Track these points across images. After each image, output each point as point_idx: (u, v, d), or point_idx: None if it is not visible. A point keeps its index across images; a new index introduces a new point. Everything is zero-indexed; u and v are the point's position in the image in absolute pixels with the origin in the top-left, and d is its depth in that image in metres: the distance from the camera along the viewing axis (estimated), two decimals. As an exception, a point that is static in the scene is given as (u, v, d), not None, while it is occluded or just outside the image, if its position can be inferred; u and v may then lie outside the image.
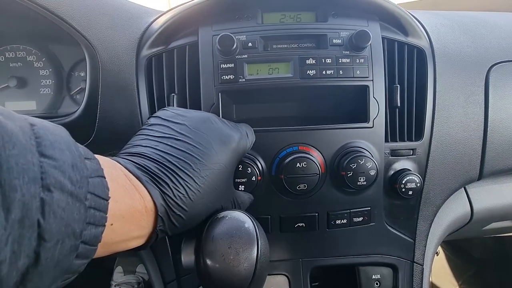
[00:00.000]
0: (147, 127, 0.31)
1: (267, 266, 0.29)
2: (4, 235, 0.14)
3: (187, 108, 0.42)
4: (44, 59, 0.54)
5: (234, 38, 0.38)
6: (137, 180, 0.24)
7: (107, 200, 0.20)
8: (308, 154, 0.40)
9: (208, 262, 0.26)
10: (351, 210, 0.43)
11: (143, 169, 0.26)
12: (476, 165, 0.49)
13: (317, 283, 0.50)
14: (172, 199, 0.25)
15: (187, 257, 0.28)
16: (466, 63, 0.48)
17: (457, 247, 1.08)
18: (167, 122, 0.30)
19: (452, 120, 0.47)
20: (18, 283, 0.15)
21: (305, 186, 0.39)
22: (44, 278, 0.16)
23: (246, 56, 0.40)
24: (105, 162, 0.23)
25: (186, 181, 0.26)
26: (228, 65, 0.40)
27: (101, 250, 0.21)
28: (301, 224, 0.42)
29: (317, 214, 0.43)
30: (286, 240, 0.44)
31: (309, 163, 0.39)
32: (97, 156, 0.22)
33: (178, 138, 0.28)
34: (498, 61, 0.50)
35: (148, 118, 0.33)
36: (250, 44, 0.40)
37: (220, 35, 0.38)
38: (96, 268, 0.99)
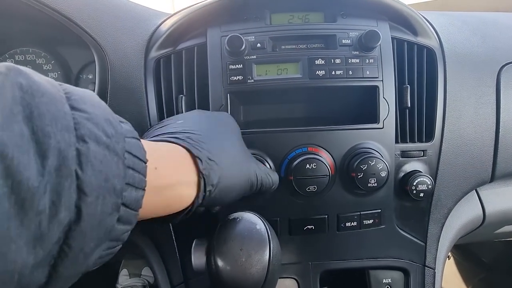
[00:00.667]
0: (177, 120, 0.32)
1: (279, 269, 0.28)
2: (42, 182, 0.13)
3: (195, 108, 0.42)
4: (53, 62, 0.55)
5: (243, 39, 0.38)
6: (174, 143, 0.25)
7: (145, 163, 0.19)
8: (318, 155, 0.39)
9: (220, 264, 0.25)
10: (361, 213, 0.42)
11: (178, 138, 0.26)
12: (488, 167, 0.48)
13: (326, 287, 0.49)
14: (207, 156, 0.25)
15: (198, 259, 0.28)
16: (476, 63, 0.48)
17: (467, 251, 1.06)
18: (179, 116, 0.33)
19: (463, 121, 0.46)
20: (62, 241, 0.14)
21: (314, 187, 0.39)
22: (88, 238, 0.15)
23: (254, 56, 0.40)
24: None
25: (215, 142, 0.27)
26: (237, 66, 0.40)
27: (154, 199, 0.20)
28: (311, 226, 0.42)
29: (326, 216, 0.42)
30: (295, 243, 0.43)
31: (318, 165, 0.39)
32: None
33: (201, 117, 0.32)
34: (509, 61, 0.49)
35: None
36: (258, 45, 0.40)
37: (229, 36, 0.38)
38: (102, 271, 0.99)
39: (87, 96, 0.17)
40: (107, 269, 0.95)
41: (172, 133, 0.26)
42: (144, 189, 0.19)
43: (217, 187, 0.25)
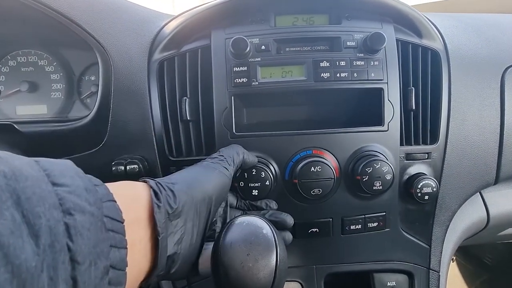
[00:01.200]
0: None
1: (286, 274, 0.28)
2: (38, 261, 0.14)
3: (199, 112, 0.42)
4: (55, 63, 0.54)
5: (248, 41, 0.38)
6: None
7: (122, 223, 0.20)
8: (322, 158, 0.39)
9: (227, 270, 0.25)
10: (365, 216, 0.42)
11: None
12: (492, 169, 0.48)
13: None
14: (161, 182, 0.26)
15: (204, 264, 0.27)
16: (481, 66, 0.48)
17: (469, 252, 1.06)
18: None
19: (467, 123, 0.46)
20: None
21: (319, 190, 0.39)
22: None
23: (259, 59, 0.40)
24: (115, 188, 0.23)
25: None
26: (241, 68, 0.39)
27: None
28: (315, 229, 0.42)
29: (331, 219, 0.42)
30: (299, 246, 0.43)
31: (323, 167, 0.38)
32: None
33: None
34: (513, 63, 0.49)
35: None
36: (263, 47, 0.40)
37: (234, 38, 0.38)
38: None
39: (65, 169, 0.18)
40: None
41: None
42: (125, 248, 0.20)
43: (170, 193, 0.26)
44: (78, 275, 0.16)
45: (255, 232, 0.27)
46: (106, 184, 0.21)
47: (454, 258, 1.09)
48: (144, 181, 0.26)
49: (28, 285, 0.13)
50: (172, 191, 0.26)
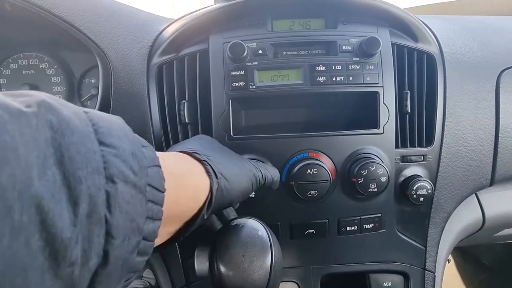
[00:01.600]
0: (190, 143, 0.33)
1: (281, 274, 0.28)
2: (74, 232, 0.13)
3: (197, 115, 0.42)
4: (56, 66, 0.55)
5: (245, 46, 0.39)
6: (192, 158, 0.26)
7: (163, 192, 0.19)
8: (319, 160, 0.40)
9: (223, 270, 0.26)
10: (361, 217, 0.43)
11: (198, 154, 0.27)
12: (487, 171, 0.49)
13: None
14: (221, 178, 0.26)
15: (201, 264, 0.28)
16: (476, 69, 0.48)
17: (467, 253, 1.07)
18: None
19: (462, 125, 0.46)
20: (87, 285, 0.15)
21: (315, 192, 0.39)
22: (113, 279, 0.16)
23: (256, 63, 0.40)
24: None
25: (223, 160, 0.28)
26: (239, 72, 0.40)
27: (175, 192, 0.21)
28: (311, 230, 0.42)
29: (327, 220, 0.42)
30: (296, 247, 0.43)
31: (319, 170, 0.39)
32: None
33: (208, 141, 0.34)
34: (508, 66, 0.49)
35: None
36: (260, 51, 0.40)
37: (231, 42, 0.38)
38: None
39: (114, 126, 0.17)
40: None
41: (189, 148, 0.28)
42: (160, 219, 0.19)
43: (225, 179, 0.26)
44: (110, 249, 0.15)
45: (251, 233, 0.27)
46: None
47: (451, 258, 1.10)
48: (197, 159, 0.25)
49: (61, 257, 0.13)
50: (226, 180, 0.26)
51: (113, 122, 0.17)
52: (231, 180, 0.26)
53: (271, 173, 0.35)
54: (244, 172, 0.29)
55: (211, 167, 0.25)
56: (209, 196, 0.24)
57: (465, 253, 1.07)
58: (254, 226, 0.28)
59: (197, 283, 0.44)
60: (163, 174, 0.19)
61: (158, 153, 0.21)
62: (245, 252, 0.26)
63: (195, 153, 0.26)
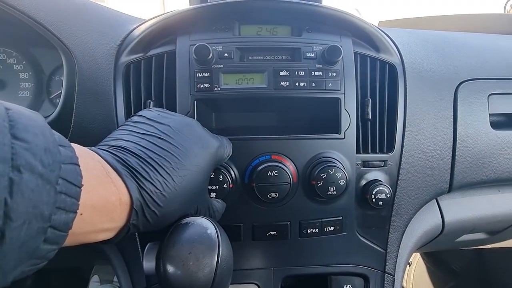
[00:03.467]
0: (131, 124, 0.31)
1: (229, 273, 0.29)
2: None
3: None
4: (24, 62, 0.54)
5: (210, 48, 0.39)
6: (114, 173, 0.25)
7: (79, 187, 0.20)
8: (280, 163, 0.41)
9: (168, 268, 0.26)
10: (322, 220, 0.44)
11: (123, 162, 0.26)
12: (446, 178, 0.51)
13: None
14: (149, 194, 0.26)
15: (149, 262, 0.28)
16: (436, 80, 0.51)
17: (438, 259, 1.10)
18: (151, 121, 0.31)
19: (422, 133, 0.48)
20: None
21: (276, 194, 0.40)
22: (8, 258, 0.16)
23: (222, 66, 0.41)
24: (83, 152, 0.23)
25: (165, 178, 0.27)
26: (204, 74, 0.41)
27: (68, 240, 0.21)
28: (273, 232, 0.43)
29: (289, 222, 0.43)
30: (258, 248, 0.44)
31: (280, 172, 0.40)
32: (75, 145, 0.22)
33: (161, 137, 0.29)
34: (466, 79, 0.52)
35: (131, 116, 0.34)
36: (226, 55, 0.41)
37: (196, 45, 0.39)
38: (72, 277, 0.96)
39: (32, 124, 0.18)
40: (77, 275, 0.92)
41: (121, 149, 0.27)
42: (75, 212, 0.20)
43: (157, 203, 0.26)
44: (6, 230, 0.16)
45: (199, 232, 0.28)
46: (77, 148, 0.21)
47: (422, 263, 1.13)
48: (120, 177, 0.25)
49: None
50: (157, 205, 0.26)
51: (33, 119, 0.19)
52: (163, 212, 0.27)
53: (217, 208, 0.37)
54: (187, 209, 0.30)
55: (138, 190, 0.25)
56: (130, 215, 0.25)
57: (435, 259, 1.10)
58: (204, 225, 0.28)
59: (158, 285, 0.44)
60: (81, 172, 0.20)
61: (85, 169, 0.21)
62: (191, 250, 0.26)
63: (120, 161, 0.26)
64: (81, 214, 0.21)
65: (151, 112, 0.33)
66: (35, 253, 0.18)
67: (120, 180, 0.25)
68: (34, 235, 0.17)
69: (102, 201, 0.23)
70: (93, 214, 0.22)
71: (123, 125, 0.32)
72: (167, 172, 0.27)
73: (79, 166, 0.20)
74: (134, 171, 0.26)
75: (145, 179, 0.26)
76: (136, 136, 0.29)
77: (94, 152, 0.25)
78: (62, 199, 0.18)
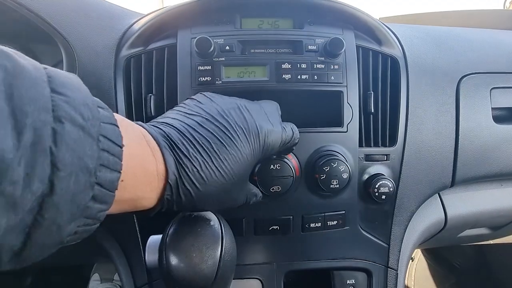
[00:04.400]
0: (182, 105, 0.32)
1: (232, 266, 0.28)
2: (16, 156, 0.14)
3: (164, 109, 0.42)
4: (23, 57, 0.54)
5: (212, 41, 0.39)
6: (154, 143, 0.24)
7: (121, 147, 0.20)
8: (283, 156, 0.40)
9: (170, 259, 0.26)
10: (325, 214, 0.43)
11: (165, 135, 0.26)
12: (448, 172, 0.51)
13: (293, 289, 0.49)
14: (185, 171, 0.25)
15: (151, 255, 0.28)
16: (438, 74, 0.50)
17: (439, 256, 1.10)
18: (200, 103, 0.31)
19: (425, 127, 0.48)
20: (35, 211, 0.16)
21: (278, 188, 0.40)
22: (61, 211, 0.17)
23: (223, 59, 0.41)
24: (124, 121, 0.23)
25: (204, 158, 0.26)
26: (206, 67, 0.40)
27: (112, 208, 0.21)
28: (276, 227, 0.42)
29: (291, 217, 0.43)
30: (260, 243, 0.43)
31: (283, 166, 0.39)
32: (117, 115, 0.22)
33: (207, 118, 0.28)
34: (468, 73, 0.52)
35: (185, 99, 0.33)
36: (227, 48, 0.41)
37: (198, 37, 0.39)
38: (72, 276, 0.96)
39: (69, 80, 0.18)
40: (78, 274, 0.91)
41: (165, 124, 0.27)
42: (119, 172, 0.20)
43: (193, 182, 0.25)
44: (55, 180, 0.16)
45: (202, 224, 0.27)
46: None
47: (423, 260, 1.13)
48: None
49: (2, 174, 0.14)
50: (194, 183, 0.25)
51: (70, 78, 0.19)
52: (199, 194, 0.26)
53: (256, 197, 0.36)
54: (227, 202, 0.29)
55: (175, 164, 0.25)
56: (165, 188, 0.24)
57: (436, 256, 1.10)
58: (207, 217, 0.28)
59: (159, 280, 0.43)
60: (122, 133, 0.20)
61: (128, 138, 0.21)
62: (194, 242, 0.26)
63: (162, 133, 0.25)
64: (122, 181, 0.20)
65: (203, 96, 0.33)
66: (87, 211, 0.18)
67: (159, 151, 0.24)
68: (82, 189, 0.17)
69: (141, 168, 0.22)
70: (134, 181, 0.22)
71: (174, 107, 0.32)
72: (207, 153, 0.26)
73: (118, 127, 0.20)
74: (174, 145, 0.25)
75: (184, 155, 0.25)
76: (182, 115, 0.29)
77: (136, 123, 0.26)
78: (105, 156, 0.19)
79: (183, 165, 0.25)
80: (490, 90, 0.52)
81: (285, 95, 0.43)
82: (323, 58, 0.42)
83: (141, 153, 0.23)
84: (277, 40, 0.43)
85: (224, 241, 0.27)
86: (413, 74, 0.48)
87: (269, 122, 0.33)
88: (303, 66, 0.41)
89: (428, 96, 0.49)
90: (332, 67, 0.42)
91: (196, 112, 0.29)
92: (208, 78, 0.40)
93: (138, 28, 0.43)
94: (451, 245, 0.86)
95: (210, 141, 0.27)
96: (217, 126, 0.28)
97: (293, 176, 0.40)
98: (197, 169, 0.25)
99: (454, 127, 0.50)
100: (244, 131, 0.29)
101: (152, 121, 0.29)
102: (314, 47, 0.42)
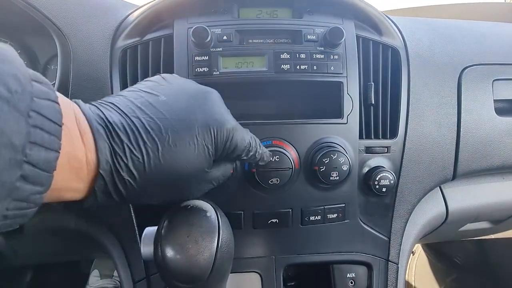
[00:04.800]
0: (143, 81, 0.28)
1: (230, 258, 0.28)
2: None
3: None
4: (19, 51, 0.53)
5: (209, 31, 0.38)
6: (86, 125, 0.22)
7: (60, 126, 0.18)
8: (282, 148, 0.39)
9: (166, 252, 0.25)
10: (325, 207, 0.43)
11: (103, 117, 0.23)
12: (450, 165, 0.50)
13: (293, 283, 0.49)
14: (122, 159, 0.22)
15: (147, 247, 0.27)
16: (439, 65, 0.50)
17: (439, 251, 1.09)
18: (163, 80, 0.28)
19: (426, 119, 0.47)
20: None
21: (277, 180, 0.39)
22: None
23: (221, 49, 0.40)
24: (59, 98, 0.20)
25: (148, 145, 0.23)
26: (203, 57, 0.40)
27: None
28: (275, 220, 0.42)
29: (290, 210, 0.42)
30: (259, 236, 0.43)
31: (282, 157, 0.39)
32: (57, 93, 0.20)
33: (163, 98, 0.25)
34: (470, 64, 0.51)
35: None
36: (225, 38, 0.40)
37: (194, 27, 0.38)
38: (72, 272, 0.95)
39: (1, 52, 0.17)
40: (77, 270, 0.91)
41: (110, 104, 0.24)
42: (58, 151, 0.18)
43: (128, 189, 0.23)
44: None
45: (198, 214, 0.27)
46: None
47: (424, 255, 1.12)
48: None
49: None
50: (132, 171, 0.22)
51: (2, 48, 0.17)
52: (140, 185, 0.23)
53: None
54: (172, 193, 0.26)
55: (110, 151, 0.22)
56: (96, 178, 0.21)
57: (437, 251, 1.09)
58: (203, 208, 0.27)
59: (157, 275, 0.43)
60: (62, 111, 0.19)
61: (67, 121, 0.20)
62: (189, 233, 0.25)
63: (101, 115, 0.22)
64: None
65: (169, 75, 0.30)
66: (16, 192, 0.17)
67: (90, 135, 0.21)
68: (7, 167, 0.16)
69: (65, 154, 0.19)
70: (58, 168, 0.19)
71: (137, 83, 0.28)
72: (154, 139, 0.23)
73: (58, 104, 0.19)
74: (112, 129, 0.22)
75: (121, 141, 0.22)
76: (135, 92, 0.26)
77: (72, 102, 0.22)
78: (37, 133, 0.17)
79: (120, 153, 0.22)
80: (492, 82, 0.52)
81: (283, 85, 0.42)
82: (322, 48, 0.41)
83: (67, 137, 0.20)
84: (276, 30, 0.42)
85: (220, 232, 0.26)
86: (414, 65, 0.47)
87: (229, 116, 0.30)
88: (302, 56, 0.40)
89: (430, 88, 0.48)
90: (332, 57, 0.41)
91: (154, 91, 0.26)
92: (205, 69, 0.40)
93: (134, 19, 0.42)
94: (452, 239, 0.85)
95: (160, 124, 0.23)
96: (174, 110, 0.25)
97: (292, 168, 0.39)
98: (137, 158, 0.22)
99: (456, 120, 0.49)
100: (204, 119, 0.26)
101: (101, 99, 0.25)
102: (313, 37, 0.41)
